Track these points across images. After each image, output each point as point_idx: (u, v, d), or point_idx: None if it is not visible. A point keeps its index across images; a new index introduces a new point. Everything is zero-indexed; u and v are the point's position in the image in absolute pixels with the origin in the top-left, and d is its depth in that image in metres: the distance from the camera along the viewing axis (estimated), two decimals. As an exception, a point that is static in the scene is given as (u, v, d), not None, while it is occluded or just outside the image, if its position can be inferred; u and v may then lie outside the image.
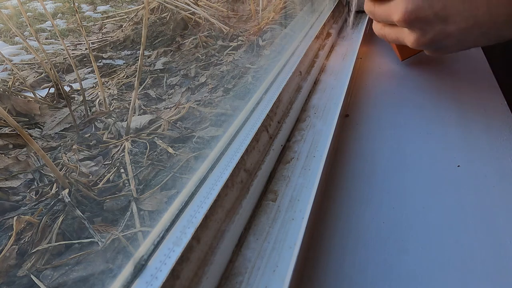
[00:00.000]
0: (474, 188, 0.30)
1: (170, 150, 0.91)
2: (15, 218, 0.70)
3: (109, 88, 1.34)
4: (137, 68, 1.11)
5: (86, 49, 1.72)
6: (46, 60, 1.37)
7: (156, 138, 0.97)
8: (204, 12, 1.81)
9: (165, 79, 1.37)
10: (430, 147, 0.35)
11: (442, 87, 0.45)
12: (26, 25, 1.81)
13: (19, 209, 0.77)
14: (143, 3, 2.08)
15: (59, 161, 0.91)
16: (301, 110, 0.39)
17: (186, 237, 0.20)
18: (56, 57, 1.68)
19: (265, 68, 1.30)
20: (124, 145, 0.95)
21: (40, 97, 1.25)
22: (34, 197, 0.79)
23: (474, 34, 0.31)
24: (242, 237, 0.25)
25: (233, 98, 1.17)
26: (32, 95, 1.26)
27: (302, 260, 0.24)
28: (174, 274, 0.19)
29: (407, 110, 0.41)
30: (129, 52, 1.71)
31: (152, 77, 1.39)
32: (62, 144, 1.00)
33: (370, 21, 0.62)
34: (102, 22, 2.12)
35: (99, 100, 1.23)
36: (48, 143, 1.02)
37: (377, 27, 0.41)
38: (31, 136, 1.00)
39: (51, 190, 0.79)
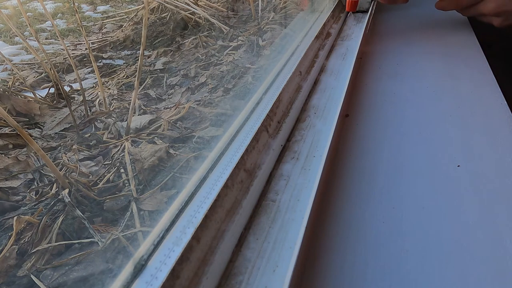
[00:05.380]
0: (474, 188, 0.30)
1: (172, 151, 0.91)
2: (15, 218, 0.70)
3: (109, 88, 1.34)
4: (137, 68, 1.11)
5: (86, 49, 1.72)
6: (46, 60, 1.37)
7: (156, 138, 0.97)
8: (204, 12, 1.81)
9: (165, 79, 1.37)
10: (430, 147, 0.35)
11: (442, 87, 0.45)
12: (26, 25, 1.81)
13: (19, 209, 0.77)
14: (143, 3, 2.08)
15: (59, 161, 0.91)
16: (301, 110, 0.39)
17: (186, 237, 0.20)
18: (56, 57, 1.68)
19: (265, 68, 1.30)
20: (124, 145, 0.95)
21: (40, 97, 1.25)
22: (34, 197, 0.79)
23: None
24: (242, 237, 0.25)
25: (233, 98, 1.16)
26: (32, 95, 1.26)
27: (302, 260, 0.24)
28: (174, 274, 0.19)
29: (407, 110, 0.41)
30: (129, 52, 1.71)
31: (152, 77, 1.39)
32: (62, 144, 1.00)
33: (370, 21, 0.62)
34: (102, 22, 2.12)
35: (99, 100, 1.23)
36: (48, 143, 1.02)
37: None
38: (31, 136, 1.00)
39: (51, 190, 0.79)
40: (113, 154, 0.93)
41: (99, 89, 1.25)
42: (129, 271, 0.19)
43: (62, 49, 1.77)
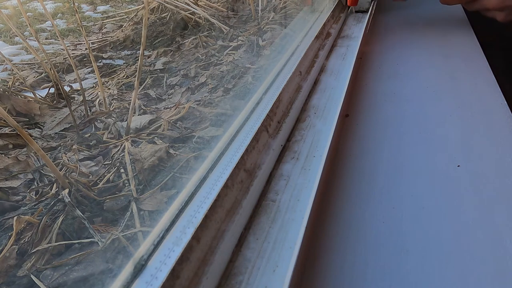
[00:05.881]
0: (474, 188, 0.30)
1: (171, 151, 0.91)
2: (15, 218, 0.70)
3: (109, 88, 1.34)
4: (137, 68, 1.11)
5: (86, 49, 1.72)
6: (46, 60, 1.37)
7: (156, 138, 0.97)
8: (204, 12, 1.81)
9: (165, 79, 1.37)
10: (430, 147, 0.35)
11: (442, 87, 0.45)
12: (26, 25, 1.81)
13: (19, 209, 0.77)
14: (143, 3, 2.08)
15: (59, 161, 0.91)
16: (301, 110, 0.39)
17: (186, 237, 0.20)
18: (56, 57, 1.68)
19: (265, 68, 1.30)
20: (124, 145, 0.95)
21: (40, 97, 1.25)
22: (34, 197, 0.79)
23: None
24: (242, 237, 0.25)
25: (233, 98, 1.16)
26: (32, 95, 1.26)
27: (302, 260, 0.24)
28: (174, 274, 0.19)
29: (407, 110, 0.41)
30: (129, 52, 1.71)
31: (152, 77, 1.39)
32: (62, 144, 1.00)
33: (370, 21, 0.62)
34: (102, 22, 2.12)
35: (99, 100, 1.23)
36: (48, 143, 1.02)
37: None
38: (31, 136, 1.00)
39: (51, 190, 0.79)
40: (113, 154, 0.93)
41: (99, 89, 1.25)
42: (129, 271, 0.19)
43: (62, 49, 1.77)
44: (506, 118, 0.38)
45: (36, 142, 0.88)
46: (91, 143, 0.99)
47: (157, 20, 1.86)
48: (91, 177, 0.85)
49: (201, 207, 0.22)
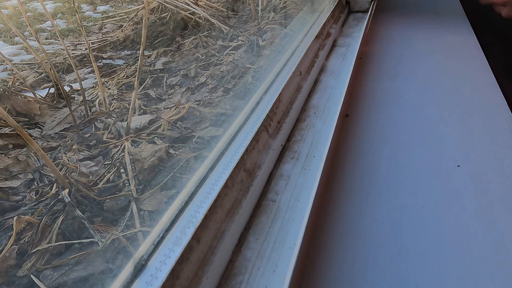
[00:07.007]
0: (474, 188, 0.30)
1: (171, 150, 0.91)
2: (15, 218, 0.70)
3: (109, 88, 1.34)
4: (137, 68, 1.11)
5: (86, 49, 1.72)
6: (46, 60, 1.37)
7: (156, 138, 0.97)
8: (204, 12, 1.81)
9: (165, 79, 1.37)
10: (430, 147, 0.35)
11: (442, 87, 0.45)
12: (26, 25, 1.81)
13: (19, 209, 0.77)
14: (143, 3, 2.08)
15: (59, 161, 0.91)
16: (301, 110, 0.39)
17: (186, 237, 0.20)
18: (56, 57, 1.68)
19: (265, 68, 1.29)
20: (124, 145, 0.95)
21: (40, 97, 1.25)
22: (34, 197, 0.79)
23: None
24: (242, 237, 0.25)
25: (233, 98, 1.16)
26: (32, 95, 1.26)
27: (302, 260, 0.24)
28: (174, 274, 0.19)
29: (407, 110, 0.41)
30: (129, 52, 1.71)
31: (152, 77, 1.39)
32: (62, 144, 1.00)
33: (370, 21, 0.62)
34: (102, 22, 2.12)
35: (99, 100, 1.23)
36: (48, 143, 1.02)
37: None
38: (31, 136, 1.00)
39: (51, 190, 0.79)
40: (113, 154, 0.93)
41: (99, 89, 1.25)
42: (129, 271, 0.19)
43: (62, 49, 1.77)
44: (506, 118, 0.38)
45: (36, 142, 0.88)
46: (91, 143, 0.99)
47: (157, 20, 1.86)
48: (91, 177, 0.85)
49: (201, 207, 0.22)
